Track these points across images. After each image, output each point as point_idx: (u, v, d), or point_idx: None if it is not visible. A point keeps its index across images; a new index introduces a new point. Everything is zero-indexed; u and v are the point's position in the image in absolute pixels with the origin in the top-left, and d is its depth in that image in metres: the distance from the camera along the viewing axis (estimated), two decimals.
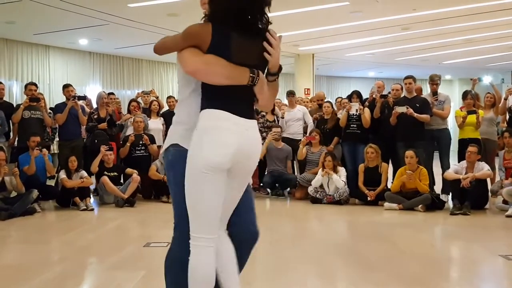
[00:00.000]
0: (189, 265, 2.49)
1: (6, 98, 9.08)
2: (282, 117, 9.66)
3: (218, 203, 2.47)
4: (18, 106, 8.60)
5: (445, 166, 8.40)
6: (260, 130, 9.10)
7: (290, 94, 9.98)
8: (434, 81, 8.67)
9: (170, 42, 2.55)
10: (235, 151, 2.42)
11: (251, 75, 2.43)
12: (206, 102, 2.48)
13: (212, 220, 2.48)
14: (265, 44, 2.45)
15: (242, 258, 2.68)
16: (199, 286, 2.49)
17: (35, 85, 8.94)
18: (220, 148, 2.39)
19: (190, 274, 2.49)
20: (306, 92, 15.88)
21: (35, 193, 7.49)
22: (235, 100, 2.47)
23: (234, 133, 2.42)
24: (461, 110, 8.88)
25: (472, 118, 8.34)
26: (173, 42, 2.52)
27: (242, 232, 2.67)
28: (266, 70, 2.54)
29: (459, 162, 8.05)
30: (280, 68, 2.53)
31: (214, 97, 2.46)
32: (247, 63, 2.44)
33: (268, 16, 2.53)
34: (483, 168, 7.51)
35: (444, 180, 8.27)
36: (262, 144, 8.92)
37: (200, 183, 2.43)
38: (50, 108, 9.41)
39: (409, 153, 7.72)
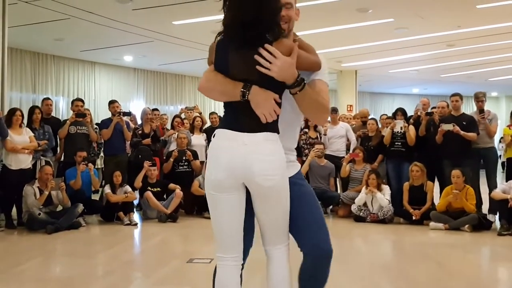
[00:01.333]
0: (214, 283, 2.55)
1: (52, 114, 9.27)
2: (325, 134, 9.59)
3: (230, 222, 2.48)
4: (65, 121, 8.77)
5: (492, 185, 8.19)
6: (302, 147, 9.26)
7: (333, 111, 9.92)
8: (478, 98, 8.47)
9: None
10: (228, 167, 2.38)
11: (241, 89, 2.34)
12: (220, 121, 2.54)
13: (228, 239, 2.51)
14: (257, 57, 2.30)
15: (315, 278, 2.61)
16: None
17: (82, 101, 9.12)
18: (216, 167, 2.41)
19: None
20: (348, 109, 15.79)
21: (80, 207, 7.62)
22: (239, 115, 2.41)
23: (228, 149, 2.38)
24: (510, 128, 8.67)
25: None
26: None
27: (308, 250, 2.57)
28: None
29: (507, 181, 7.85)
30: (297, 79, 2.35)
31: (225, 114, 2.49)
32: (245, 76, 2.36)
33: (280, 27, 2.41)
34: None
35: (491, 200, 8.05)
36: (304, 161, 9.04)
37: (211, 204, 2.50)
38: (97, 124, 9.58)
39: (456, 172, 7.55)
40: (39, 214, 7.20)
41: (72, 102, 9.19)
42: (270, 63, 2.28)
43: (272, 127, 2.43)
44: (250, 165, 2.35)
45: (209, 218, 7.96)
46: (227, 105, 2.46)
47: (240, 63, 2.36)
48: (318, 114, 2.57)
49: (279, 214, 2.51)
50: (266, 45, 2.30)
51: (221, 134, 2.44)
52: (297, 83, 2.35)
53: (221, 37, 2.45)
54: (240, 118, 2.40)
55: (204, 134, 9.83)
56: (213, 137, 2.47)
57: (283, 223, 2.55)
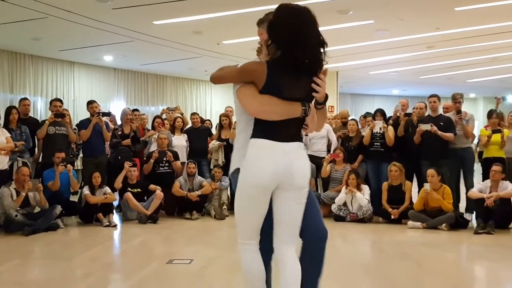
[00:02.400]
0: (242, 266, 2.98)
1: (30, 114, 9.16)
2: (306, 135, 9.60)
3: (260, 216, 2.92)
4: (43, 122, 8.67)
5: (469, 185, 8.33)
6: None
7: None
8: (456, 99, 8.59)
9: (227, 75, 2.94)
10: (273, 173, 2.80)
11: (303, 108, 2.83)
12: (254, 131, 2.90)
13: (255, 229, 2.95)
14: (313, 85, 2.84)
15: (316, 258, 3.06)
16: (250, 279, 2.95)
17: (61, 101, 9.02)
18: (260, 174, 2.81)
19: (243, 272, 2.97)
20: (329, 110, 15.86)
21: (58, 209, 7.54)
22: (278, 128, 2.83)
23: (271, 158, 2.82)
24: (486, 129, 8.79)
25: (497, 137, 8.25)
26: (230, 75, 2.92)
27: (310, 232, 3.02)
28: (314, 100, 2.92)
29: (483, 181, 7.98)
30: (326, 97, 2.92)
31: (262, 127, 2.86)
32: (296, 96, 2.82)
33: (323, 57, 2.86)
34: (507, 187, 7.43)
35: (468, 199, 8.17)
36: None
37: (247, 201, 2.90)
38: (76, 125, 9.48)
39: (431, 171, 7.68)
40: (16, 215, 7.12)
41: (51, 102, 9.05)
42: (320, 87, 2.86)
43: (300, 136, 2.98)
44: (291, 169, 2.83)
45: (189, 219, 7.99)
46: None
47: (295, 87, 2.81)
48: (322, 124, 3.20)
49: (301, 211, 2.94)
50: (319, 74, 2.86)
51: (260, 143, 2.85)
52: (325, 101, 2.95)
53: (271, 66, 2.79)
54: (281, 130, 2.84)
55: (185, 135, 9.80)
56: (252, 144, 2.87)
57: (299, 221, 2.95)
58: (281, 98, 2.78)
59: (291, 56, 2.75)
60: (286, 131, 2.84)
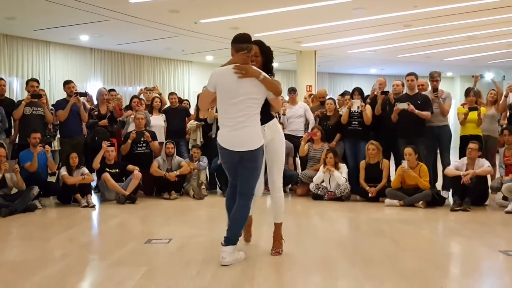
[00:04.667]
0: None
1: (6, 94, 9.02)
2: (284, 114, 9.62)
3: None
4: (20, 102, 8.55)
5: (445, 162, 8.46)
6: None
7: (292, 91, 9.97)
8: (433, 77, 8.65)
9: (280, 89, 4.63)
10: None
11: None
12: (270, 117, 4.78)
13: None
14: None
15: None
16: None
17: (37, 81, 8.90)
18: None
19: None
20: (308, 89, 15.87)
21: (35, 189, 7.48)
22: None
23: None
24: (463, 107, 8.88)
25: (473, 115, 8.34)
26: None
27: None
28: None
29: (460, 158, 8.08)
30: None
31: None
32: None
33: None
34: (483, 165, 7.55)
35: (445, 177, 8.28)
36: None
37: None
38: (52, 105, 9.37)
39: (408, 150, 7.76)
40: None
41: (27, 82, 8.94)
42: None
43: None
44: None
45: (168, 198, 8.00)
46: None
47: None
48: None
49: None
50: None
51: None
52: None
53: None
54: None
55: (163, 115, 9.76)
56: (277, 123, 4.81)
57: None
58: None
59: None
60: None
